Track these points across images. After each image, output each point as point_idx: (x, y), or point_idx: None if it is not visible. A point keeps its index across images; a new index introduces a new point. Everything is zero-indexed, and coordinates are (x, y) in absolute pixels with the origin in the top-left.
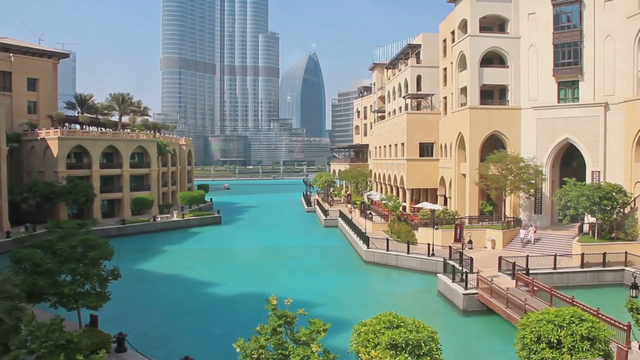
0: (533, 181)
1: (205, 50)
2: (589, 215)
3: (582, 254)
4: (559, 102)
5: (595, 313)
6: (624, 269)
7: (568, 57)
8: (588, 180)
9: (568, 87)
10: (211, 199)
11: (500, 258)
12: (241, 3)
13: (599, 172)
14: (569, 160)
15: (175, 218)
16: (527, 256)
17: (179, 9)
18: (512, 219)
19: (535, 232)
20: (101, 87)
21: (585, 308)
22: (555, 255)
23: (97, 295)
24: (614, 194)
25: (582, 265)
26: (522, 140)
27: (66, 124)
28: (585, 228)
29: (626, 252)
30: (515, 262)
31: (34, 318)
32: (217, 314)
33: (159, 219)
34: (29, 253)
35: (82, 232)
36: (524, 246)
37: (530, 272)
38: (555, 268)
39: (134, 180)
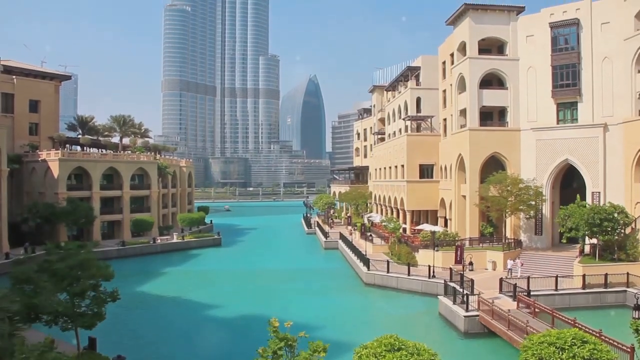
0: (533, 202)
1: (206, 72)
2: (589, 237)
3: (584, 275)
4: (558, 124)
5: (597, 335)
6: (626, 290)
7: (566, 78)
8: (588, 201)
9: (567, 109)
10: (211, 220)
11: (501, 280)
12: (242, 26)
13: (599, 192)
14: (569, 181)
15: (175, 240)
16: (529, 277)
17: (180, 32)
18: (512, 240)
19: (522, 265)
20: (102, 108)
21: (587, 330)
22: (556, 277)
23: (93, 315)
24: (615, 214)
25: (584, 286)
26: (522, 161)
27: (67, 146)
28: (587, 249)
29: (628, 273)
30: (516, 284)
31: (23, 342)
32: (217, 337)
33: (159, 241)
34: (26, 271)
35: (81, 253)
36: (510, 277)
37: (531, 293)
38: (556, 289)
39: (134, 201)
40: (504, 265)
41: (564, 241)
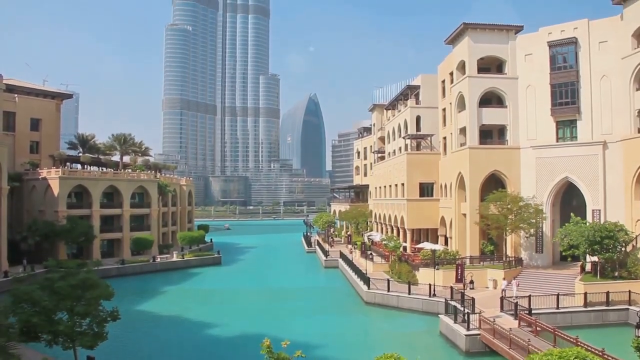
0: (533, 220)
1: (207, 91)
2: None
3: (585, 293)
4: (557, 141)
5: (600, 354)
6: (628, 308)
7: (565, 96)
8: (589, 219)
9: (566, 126)
10: (211, 239)
11: (502, 298)
12: (242, 45)
13: (599, 210)
14: (569, 198)
15: (175, 258)
16: (530, 296)
17: (181, 51)
18: (513, 259)
19: (518, 285)
20: (103, 127)
21: (589, 348)
22: (557, 295)
23: (94, 334)
24: (615, 232)
25: (586, 304)
26: (521, 179)
27: (67, 164)
28: (588, 267)
29: (630, 291)
30: (517, 302)
31: None
32: (217, 356)
33: (159, 259)
34: (27, 290)
35: (82, 271)
36: (503, 297)
37: (532, 312)
38: (558, 308)
39: (134, 220)
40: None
41: (569, 259)
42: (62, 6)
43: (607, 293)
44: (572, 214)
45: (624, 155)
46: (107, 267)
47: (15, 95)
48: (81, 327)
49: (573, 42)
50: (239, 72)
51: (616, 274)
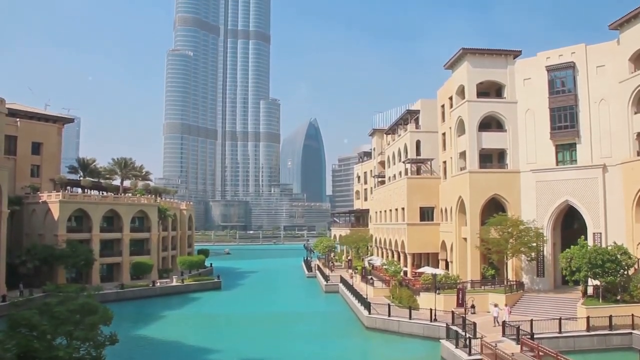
0: (534, 244)
1: (207, 116)
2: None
3: (588, 317)
4: (557, 165)
5: None
6: (631, 332)
7: (564, 120)
8: (590, 242)
9: (566, 150)
10: (211, 264)
11: (504, 322)
12: (243, 70)
13: (600, 233)
14: (570, 222)
15: (174, 283)
16: (532, 320)
17: (182, 76)
18: (514, 283)
19: (510, 312)
20: (104, 150)
21: None
22: (560, 319)
23: (93, 359)
24: (617, 255)
25: (588, 328)
26: (522, 203)
27: (68, 188)
28: (590, 290)
29: (633, 315)
30: (519, 327)
31: None
32: None
33: (158, 284)
34: (26, 314)
35: (82, 296)
36: (494, 326)
37: (535, 336)
38: (560, 332)
39: (134, 244)
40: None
41: (570, 283)
42: (64, 31)
43: (610, 317)
44: (581, 237)
45: (623, 178)
46: (106, 291)
47: (18, 119)
48: (79, 353)
49: (571, 66)
50: (240, 96)
51: (619, 297)
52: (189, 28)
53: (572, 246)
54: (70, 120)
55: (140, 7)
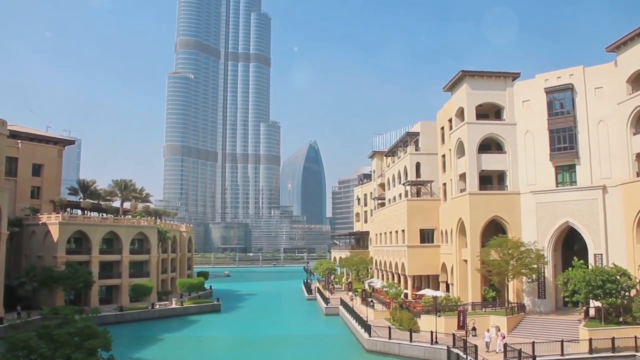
0: (535, 266)
1: (208, 138)
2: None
3: (590, 339)
4: (557, 186)
5: None
6: (635, 355)
7: (564, 142)
8: (591, 263)
9: (565, 171)
10: (211, 286)
11: (505, 345)
12: (243, 93)
13: (601, 254)
14: (571, 243)
15: (174, 305)
16: (534, 342)
17: (183, 98)
18: (516, 305)
19: (504, 338)
20: (104, 171)
21: None
22: (562, 341)
23: None
24: (617, 277)
25: (591, 351)
26: (522, 224)
27: (68, 209)
28: (592, 312)
29: (636, 337)
30: (521, 349)
31: None
32: None
33: (158, 306)
34: (24, 337)
35: (81, 319)
36: (487, 351)
37: (536, 358)
38: (562, 354)
39: (134, 266)
40: (507, 330)
41: (569, 304)
42: (66, 53)
43: (613, 339)
44: (575, 258)
45: (623, 199)
46: (105, 313)
47: (19, 141)
48: None
49: (569, 88)
50: (240, 119)
51: (621, 319)
52: (190, 51)
53: (568, 268)
54: (71, 142)
55: (142, 30)
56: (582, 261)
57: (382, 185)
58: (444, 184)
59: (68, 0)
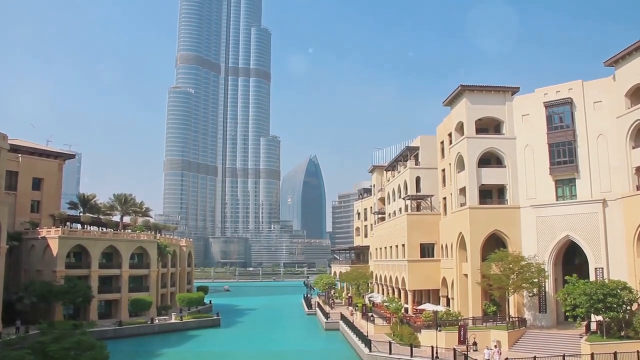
0: (536, 280)
1: (208, 152)
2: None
3: (592, 354)
4: (557, 200)
5: None
6: None
7: (563, 155)
8: (592, 277)
9: (565, 185)
10: (210, 300)
11: (506, 359)
12: (244, 107)
13: (602, 268)
14: (571, 257)
15: (173, 320)
16: (535, 357)
17: (183, 113)
18: (516, 319)
19: (500, 354)
20: (104, 185)
21: None
22: (563, 356)
23: None
24: (618, 290)
25: None
26: (522, 238)
27: (68, 223)
28: (593, 326)
29: (638, 351)
30: None
31: None
32: None
33: (157, 321)
34: (17, 355)
35: (77, 333)
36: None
37: None
38: None
39: (133, 280)
40: (509, 345)
41: (569, 319)
42: (67, 68)
43: (615, 353)
44: (574, 275)
45: (624, 213)
46: (103, 328)
47: (19, 155)
48: None
49: (568, 102)
50: (240, 133)
51: (622, 333)
52: (191, 65)
53: (566, 283)
54: (71, 156)
55: (143, 44)
56: (576, 275)
57: (382, 200)
58: (444, 198)
59: (69, 15)
